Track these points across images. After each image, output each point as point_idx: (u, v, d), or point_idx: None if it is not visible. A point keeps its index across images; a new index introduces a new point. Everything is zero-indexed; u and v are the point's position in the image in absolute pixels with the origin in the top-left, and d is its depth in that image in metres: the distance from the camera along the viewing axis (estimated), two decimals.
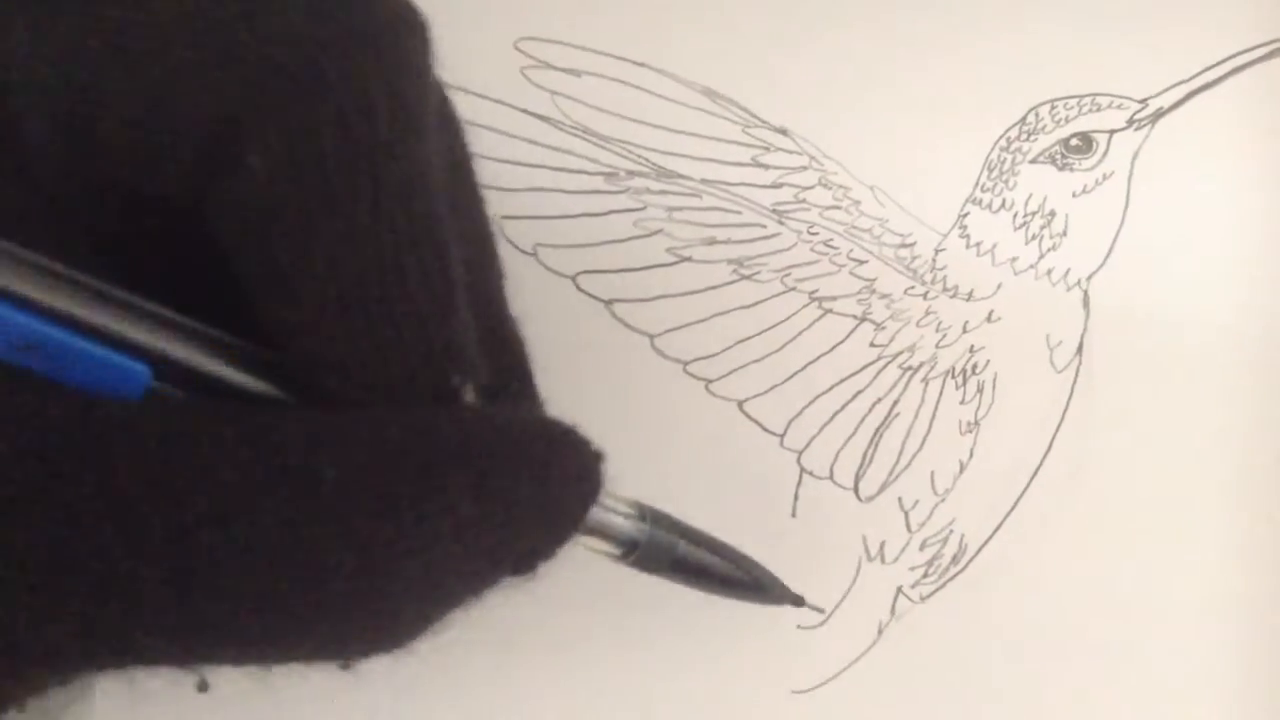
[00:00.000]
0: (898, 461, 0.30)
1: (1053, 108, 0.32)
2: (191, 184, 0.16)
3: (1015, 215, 0.31)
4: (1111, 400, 0.31)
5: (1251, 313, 0.32)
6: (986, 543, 0.30)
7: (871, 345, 0.30)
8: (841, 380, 0.30)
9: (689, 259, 0.30)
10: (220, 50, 0.15)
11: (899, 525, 0.30)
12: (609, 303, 0.30)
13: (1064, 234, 0.31)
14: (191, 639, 0.15)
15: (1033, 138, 0.32)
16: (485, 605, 0.18)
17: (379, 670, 0.17)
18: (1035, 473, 0.30)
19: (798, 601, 0.27)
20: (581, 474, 0.18)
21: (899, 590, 0.30)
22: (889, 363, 0.30)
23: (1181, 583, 0.30)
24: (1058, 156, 0.32)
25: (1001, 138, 0.32)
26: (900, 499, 0.30)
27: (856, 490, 0.30)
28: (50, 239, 0.15)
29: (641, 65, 0.31)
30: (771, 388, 0.30)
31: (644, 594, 0.28)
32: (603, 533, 0.21)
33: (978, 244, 0.31)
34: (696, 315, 0.30)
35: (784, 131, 0.31)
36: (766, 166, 0.31)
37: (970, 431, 0.30)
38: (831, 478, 0.30)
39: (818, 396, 0.30)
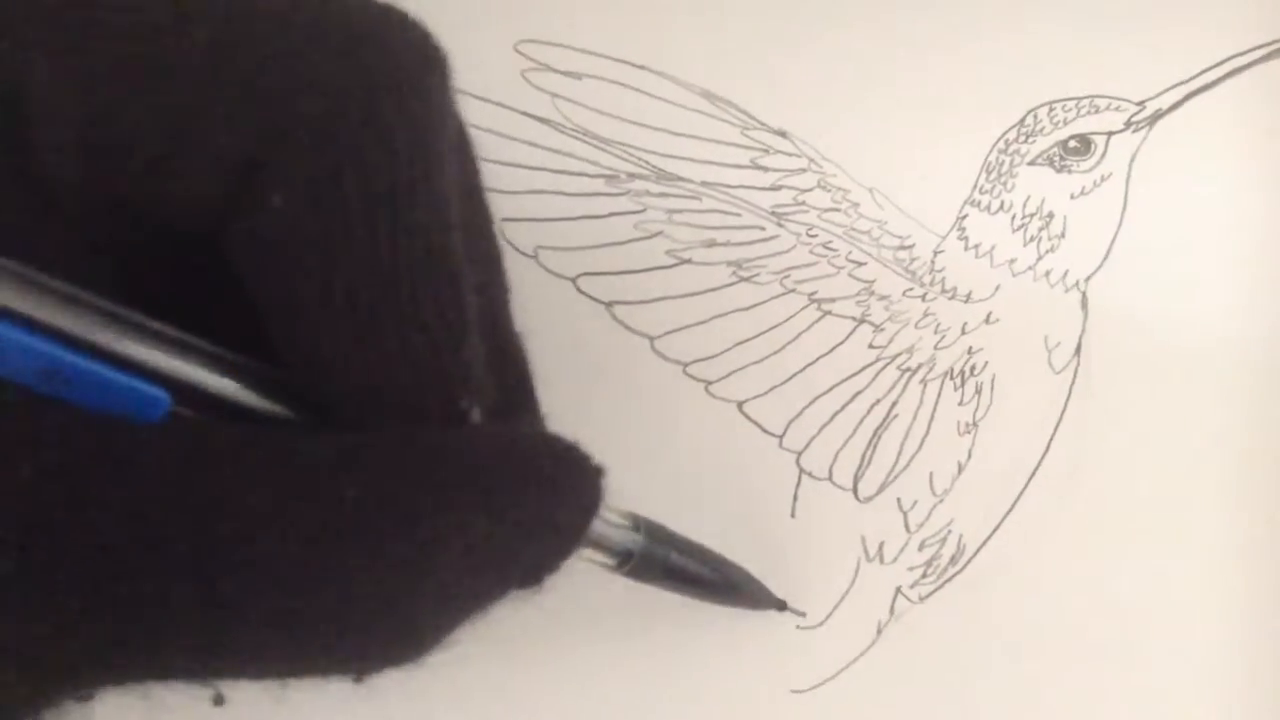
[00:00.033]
0: (896, 462, 0.30)
1: (1051, 110, 0.32)
2: (212, 219, 0.16)
3: (1013, 217, 0.32)
4: (1109, 401, 0.31)
5: (1249, 314, 0.32)
6: (985, 543, 0.30)
7: (870, 347, 0.31)
8: (840, 381, 0.30)
9: (689, 261, 0.30)
10: (245, 91, 0.16)
11: (898, 526, 0.30)
12: (609, 304, 0.30)
13: (1062, 235, 0.32)
14: (215, 656, 0.15)
15: (1031, 140, 0.32)
16: (490, 615, 0.18)
17: (390, 681, 0.17)
18: (1033, 473, 0.30)
19: (780, 606, 0.28)
20: (584, 489, 0.18)
21: (898, 590, 0.30)
22: (888, 364, 0.31)
23: (1180, 583, 0.30)
24: (1056, 158, 0.32)
25: (1000, 140, 0.32)
26: (899, 499, 0.30)
27: (855, 491, 0.30)
28: (69, 263, 0.15)
29: (641, 68, 0.31)
30: (771, 389, 0.30)
31: (643, 594, 0.28)
32: (599, 545, 0.22)
33: (976, 246, 0.31)
34: (696, 317, 0.30)
35: (783, 134, 0.31)
36: (766, 169, 0.31)
37: (969, 432, 0.30)
38: (830, 478, 0.30)
39: (817, 398, 0.30)
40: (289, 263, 0.16)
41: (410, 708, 0.27)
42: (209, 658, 0.15)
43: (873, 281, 0.31)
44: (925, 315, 0.31)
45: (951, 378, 0.31)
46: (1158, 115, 0.32)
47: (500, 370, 0.18)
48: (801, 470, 0.30)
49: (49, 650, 0.14)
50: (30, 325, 0.14)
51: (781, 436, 0.30)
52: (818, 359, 0.30)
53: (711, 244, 0.31)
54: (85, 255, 0.16)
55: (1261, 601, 0.30)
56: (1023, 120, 0.32)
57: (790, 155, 0.31)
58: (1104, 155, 0.32)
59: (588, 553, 0.22)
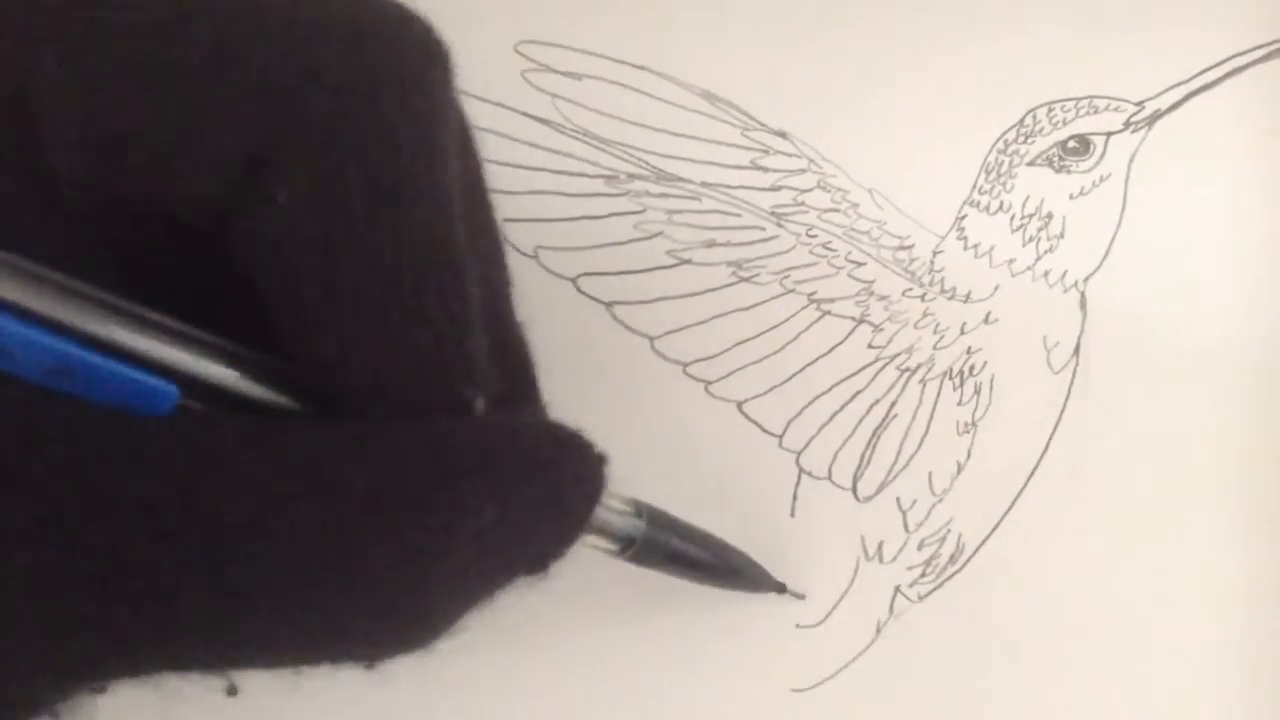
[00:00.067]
0: (896, 462, 0.30)
1: (1050, 110, 0.32)
2: (215, 215, 0.16)
3: (1013, 217, 0.32)
4: (1108, 401, 0.31)
5: (1248, 314, 0.32)
6: (984, 542, 0.30)
7: (870, 347, 0.31)
8: (840, 381, 0.30)
9: (689, 261, 0.31)
10: (249, 89, 0.16)
11: (897, 525, 0.30)
12: (609, 305, 0.30)
13: (1061, 236, 0.32)
14: (229, 646, 0.15)
15: (1030, 140, 0.32)
16: (495, 603, 0.18)
17: (398, 667, 0.18)
18: (1032, 473, 0.30)
19: (780, 589, 0.28)
20: (587, 475, 0.18)
21: (897, 589, 0.30)
22: (887, 364, 0.31)
23: (1178, 582, 0.31)
24: (1055, 159, 0.32)
25: (999, 140, 0.32)
26: (898, 499, 0.30)
27: (855, 490, 0.30)
28: (72, 257, 0.15)
29: (642, 69, 0.31)
30: (770, 389, 0.30)
31: (642, 592, 0.28)
32: (602, 530, 0.22)
33: (975, 246, 0.31)
34: (696, 317, 0.30)
35: (783, 134, 0.31)
36: (766, 169, 0.31)
37: (968, 432, 0.31)
38: (830, 478, 0.30)
39: (816, 397, 0.30)
40: (292, 258, 0.16)
41: (414, 694, 0.28)
42: (222, 648, 0.15)
43: (872, 282, 0.31)
44: (924, 315, 0.31)
45: (950, 377, 0.31)
46: (1157, 115, 0.32)
47: (503, 361, 0.19)
48: (801, 470, 0.30)
49: (64, 642, 0.15)
50: (38, 321, 0.15)
51: (781, 436, 0.30)
52: (817, 359, 0.30)
53: (711, 244, 0.31)
54: (88, 249, 0.16)
55: (1261, 601, 0.31)
56: (1022, 121, 0.32)
57: (790, 156, 0.31)
58: (1103, 155, 0.32)
59: (591, 538, 0.22)
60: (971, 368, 0.31)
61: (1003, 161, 0.32)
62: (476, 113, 0.31)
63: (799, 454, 0.30)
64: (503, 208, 0.30)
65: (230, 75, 0.16)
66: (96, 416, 0.15)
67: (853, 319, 0.31)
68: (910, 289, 0.31)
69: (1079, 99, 0.32)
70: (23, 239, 0.15)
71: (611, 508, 0.22)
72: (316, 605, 0.15)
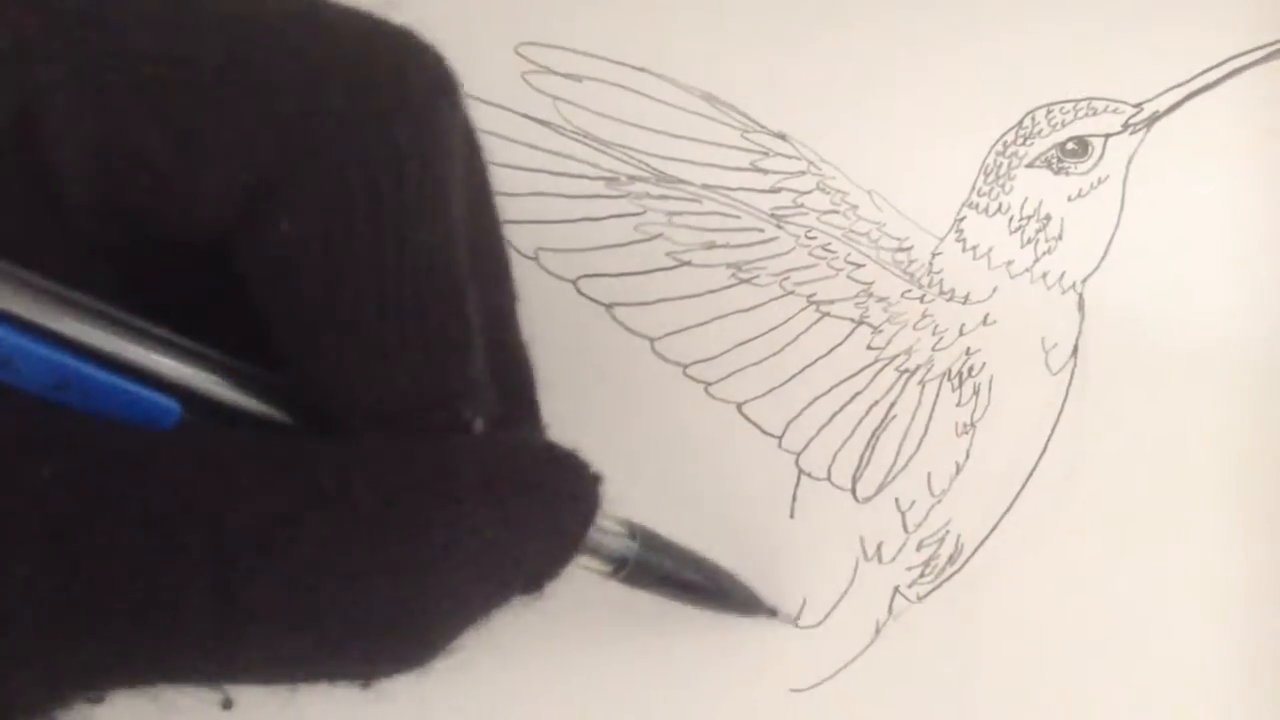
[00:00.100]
0: (895, 463, 0.30)
1: (1049, 112, 0.32)
2: (218, 236, 0.17)
3: (1011, 219, 0.32)
4: (1106, 402, 0.31)
5: (1247, 315, 0.32)
6: (983, 543, 0.30)
7: (869, 348, 0.31)
8: (839, 382, 0.31)
9: (688, 263, 0.31)
10: (258, 115, 0.16)
11: (896, 526, 0.30)
12: (609, 306, 0.30)
13: (1059, 238, 0.32)
14: (227, 659, 0.16)
15: (1029, 142, 0.32)
16: (491, 620, 0.18)
17: (394, 686, 0.18)
18: (1031, 474, 0.31)
19: (771, 613, 0.28)
20: (582, 495, 0.19)
21: (896, 590, 0.30)
22: (886, 365, 0.31)
23: (1177, 583, 0.31)
24: (1053, 160, 0.32)
25: (998, 142, 0.32)
26: (897, 500, 0.30)
27: (854, 491, 0.30)
28: (72, 268, 0.16)
29: (642, 70, 0.31)
30: (770, 390, 0.30)
31: (642, 593, 0.28)
32: (596, 552, 0.22)
33: (974, 247, 0.32)
34: (696, 319, 0.30)
35: (782, 136, 0.32)
36: (765, 171, 0.31)
37: (966, 433, 0.31)
38: (829, 479, 0.30)
39: (816, 399, 0.30)
40: (294, 282, 0.16)
41: (412, 711, 0.28)
42: (220, 660, 0.16)
43: (871, 283, 0.31)
44: (923, 317, 0.31)
45: (949, 379, 0.31)
46: (1155, 117, 0.32)
47: (504, 379, 0.19)
48: (800, 471, 0.30)
49: (64, 651, 0.15)
50: (40, 334, 0.15)
51: (781, 437, 0.30)
52: (816, 360, 0.30)
53: (711, 246, 0.31)
54: (90, 263, 0.16)
55: (1260, 601, 0.31)
56: (1020, 122, 0.32)
57: (789, 158, 0.31)
58: (1101, 157, 0.32)
59: (584, 559, 0.22)
60: (970, 369, 0.31)
61: (1001, 163, 0.32)
62: (477, 115, 0.31)
63: (798, 455, 0.30)
64: (503, 210, 0.30)
65: (238, 100, 0.16)
66: (100, 426, 0.15)
67: (852, 320, 0.31)
68: (909, 290, 0.31)
69: (1078, 101, 0.32)
70: (26, 251, 0.15)
71: (605, 529, 0.22)
72: (315, 620, 0.15)
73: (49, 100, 0.15)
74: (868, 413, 0.30)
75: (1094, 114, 0.32)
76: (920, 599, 0.30)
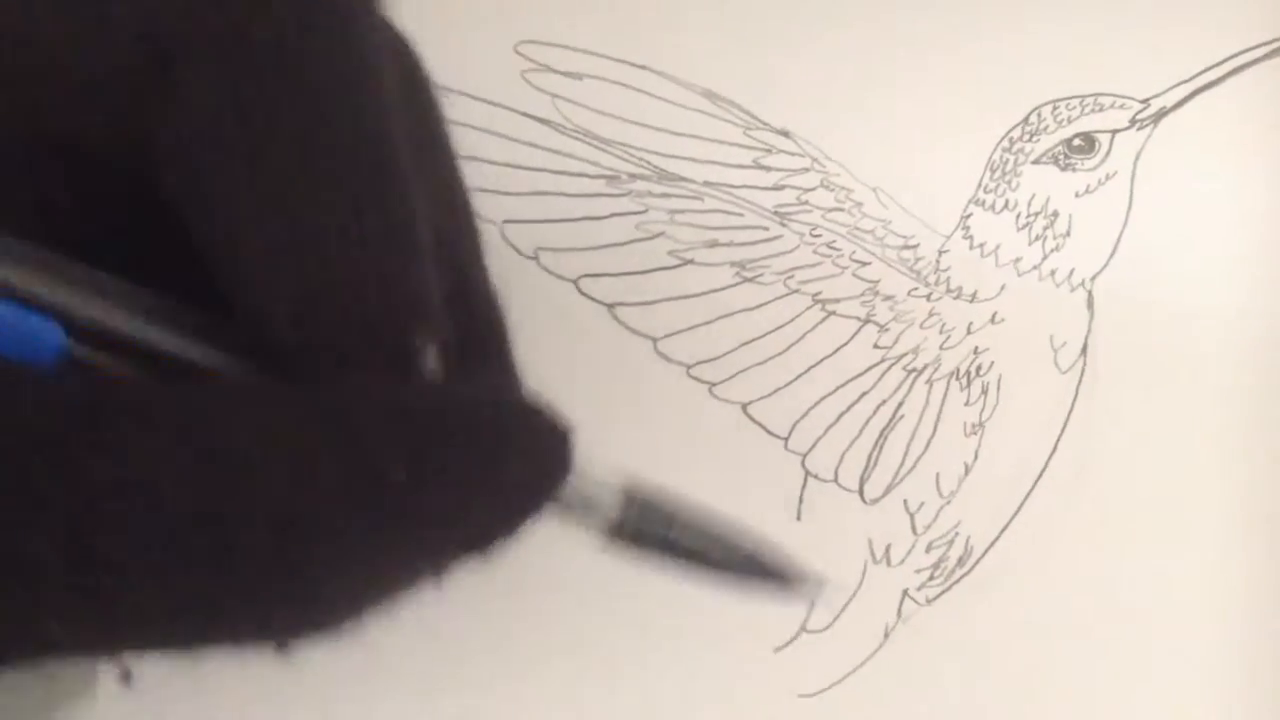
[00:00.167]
0: (903, 463, 0.30)
1: (1055, 108, 0.32)
2: (127, 127, 0.15)
3: (1018, 216, 0.31)
4: (1116, 400, 0.31)
5: (1255, 311, 0.32)
6: (993, 544, 0.30)
7: (875, 347, 0.30)
8: (846, 382, 0.30)
9: (691, 262, 0.30)
10: None
11: (904, 528, 0.30)
12: (611, 306, 0.30)
13: (1067, 234, 0.31)
14: (102, 624, 0.14)
15: (1035, 138, 0.32)
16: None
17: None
18: (1041, 474, 0.30)
19: (814, 588, 0.23)
20: (543, 452, 0.17)
21: (905, 593, 0.30)
22: (893, 365, 0.30)
23: (1186, 582, 0.30)
24: (1060, 157, 0.32)
25: (1004, 138, 0.32)
26: (906, 501, 0.30)
27: (862, 493, 0.30)
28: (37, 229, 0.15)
29: (643, 68, 0.31)
30: (775, 390, 0.30)
31: (649, 596, 0.28)
32: (585, 509, 0.19)
33: (981, 245, 0.31)
34: (700, 318, 0.30)
35: (785, 133, 0.31)
36: (768, 169, 0.31)
37: (975, 433, 0.30)
38: (836, 480, 0.30)
39: (822, 399, 0.30)
40: (211, 166, 0.15)
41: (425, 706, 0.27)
42: (97, 626, 0.14)
43: (877, 281, 0.31)
44: (930, 315, 0.31)
45: (957, 378, 0.30)
46: (1162, 113, 0.32)
47: (466, 317, 0.17)
48: (807, 472, 0.30)
49: None
50: None
51: (787, 438, 0.30)
52: (822, 360, 0.30)
53: (714, 244, 0.30)
54: (14, 202, 0.15)
55: (1268, 602, 0.30)
56: (1026, 119, 0.32)
57: (793, 155, 0.31)
58: (1108, 153, 0.32)
59: (572, 519, 0.20)
60: (978, 368, 0.30)
61: (1008, 160, 0.32)
62: (476, 113, 0.31)
63: (805, 456, 0.30)
64: (503, 209, 0.30)
65: None
66: None
67: (858, 319, 0.30)
68: (916, 288, 0.31)
69: (1084, 96, 0.32)
70: None
71: (593, 485, 0.19)
72: (187, 579, 0.14)
73: None
74: (875, 413, 0.30)
75: (1100, 110, 0.32)
76: (929, 601, 0.30)
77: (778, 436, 0.30)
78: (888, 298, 0.31)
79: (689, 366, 0.30)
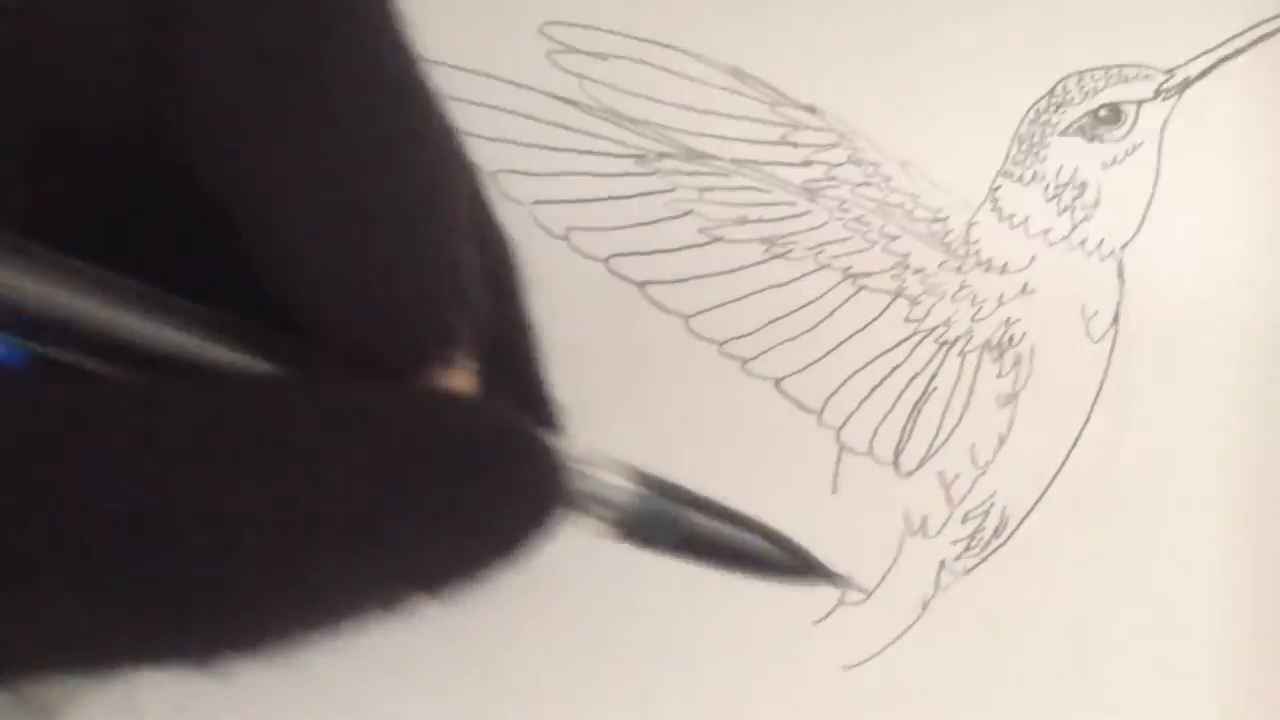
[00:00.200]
0: (937, 435, 0.30)
1: (1080, 79, 0.32)
2: (135, 103, 0.14)
3: (1047, 187, 0.31)
4: (1149, 368, 0.31)
5: None
6: (1028, 514, 0.30)
7: (907, 320, 0.30)
8: (878, 356, 0.30)
9: (721, 239, 0.30)
10: None
11: (940, 499, 0.30)
12: (642, 285, 0.30)
13: (1096, 205, 0.31)
14: (15, 635, 0.13)
15: (1061, 110, 0.32)
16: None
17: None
18: (1075, 443, 0.30)
19: (837, 581, 0.24)
20: (537, 487, 0.16)
21: (942, 564, 0.30)
22: (925, 337, 0.30)
23: (1223, 548, 0.30)
24: (1087, 128, 0.32)
25: (1030, 110, 0.32)
26: (941, 473, 0.30)
27: (896, 465, 0.30)
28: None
29: (667, 47, 0.31)
30: (808, 365, 0.30)
31: (687, 570, 0.28)
32: (597, 505, 0.18)
33: (1010, 217, 0.31)
34: (730, 295, 0.30)
35: (812, 109, 0.31)
36: (796, 144, 0.31)
37: (1009, 404, 0.30)
38: (871, 453, 0.30)
39: (855, 373, 0.30)
40: (227, 132, 0.14)
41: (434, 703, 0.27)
42: (11, 637, 0.13)
43: (907, 255, 0.31)
44: (961, 287, 0.31)
45: (990, 349, 0.30)
46: (1186, 83, 0.32)
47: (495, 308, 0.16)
48: (841, 446, 0.30)
49: None
50: None
51: (820, 413, 0.30)
52: (854, 334, 0.30)
53: (743, 221, 0.30)
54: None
55: None
56: (1052, 90, 0.32)
57: (820, 130, 0.31)
58: (1135, 124, 0.32)
59: (582, 520, 0.19)
60: (1010, 339, 0.30)
61: (1035, 132, 0.32)
62: (502, 95, 0.31)
63: (839, 430, 0.30)
64: (532, 190, 0.30)
65: None
66: None
67: (889, 293, 0.30)
68: (946, 261, 0.31)
69: (1109, 67, 0.32)
70: None
71: (603, 481, 0.18)
72: (108, 584, 0.13)
73: None
74: (908, 385, 0.30)
75: (1125, 81, 0.32)
76: (967, 572, 0.30)
77: (811, 411, 0.30)
78: (918, 271, 0.31)
79: (721, 343, 0.30)
